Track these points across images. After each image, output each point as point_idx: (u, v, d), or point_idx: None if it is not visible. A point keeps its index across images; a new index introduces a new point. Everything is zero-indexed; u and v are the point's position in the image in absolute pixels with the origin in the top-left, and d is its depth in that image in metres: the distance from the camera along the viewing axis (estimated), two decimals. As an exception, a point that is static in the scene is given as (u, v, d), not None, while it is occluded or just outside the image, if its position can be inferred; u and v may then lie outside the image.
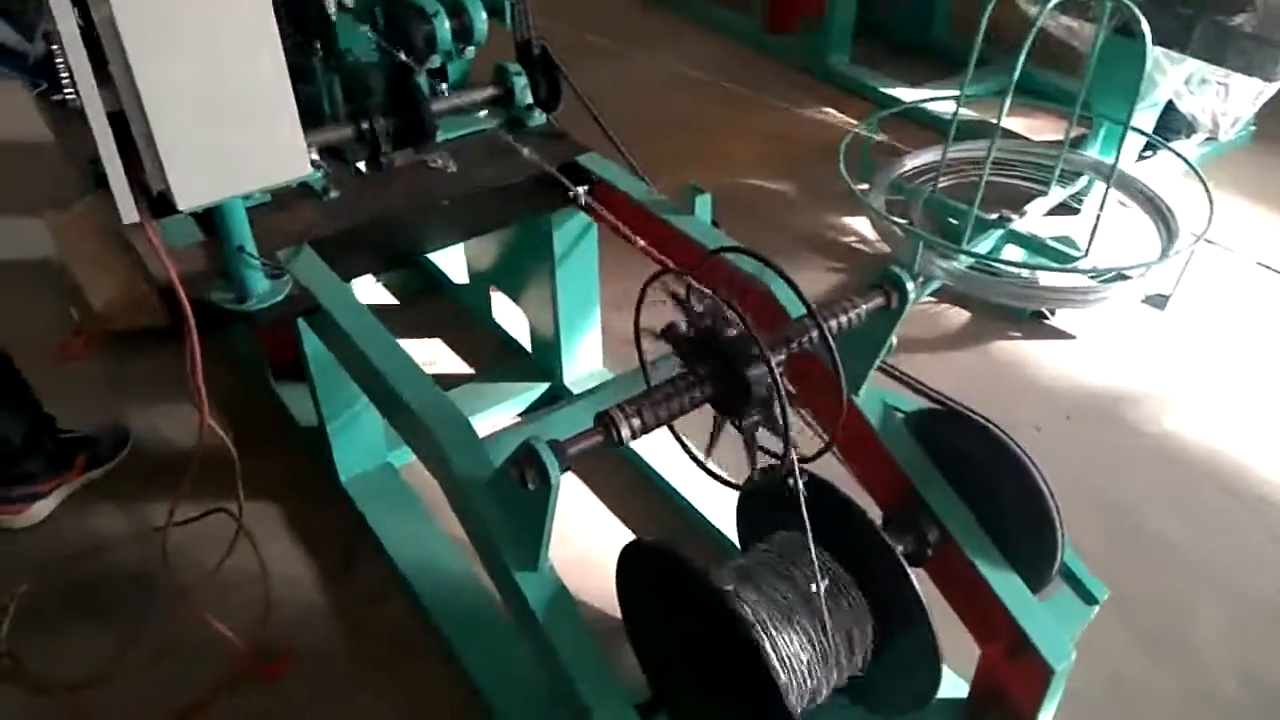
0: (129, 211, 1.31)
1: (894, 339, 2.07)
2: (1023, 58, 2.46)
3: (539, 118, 2.20)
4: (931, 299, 2.90)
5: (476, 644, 1.82)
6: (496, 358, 2.61)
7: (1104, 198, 2.78)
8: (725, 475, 1.42)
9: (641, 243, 1.86)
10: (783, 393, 1.24)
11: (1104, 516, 2.23)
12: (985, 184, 2.75)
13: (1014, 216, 2.95)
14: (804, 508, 1.28)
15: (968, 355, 2.72)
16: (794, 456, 1.30)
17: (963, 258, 2.80)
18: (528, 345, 2.55)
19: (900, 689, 1.47)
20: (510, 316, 2.65)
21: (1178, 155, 3.10)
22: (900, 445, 1.60)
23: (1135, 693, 1.86)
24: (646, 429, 1.25)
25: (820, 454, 1.36)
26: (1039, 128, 3.76)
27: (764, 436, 1.34)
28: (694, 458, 1.46)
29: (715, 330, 1.30)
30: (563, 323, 2.32)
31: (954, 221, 3.00)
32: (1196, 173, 2.94)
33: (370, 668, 1.88)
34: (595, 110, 2.17)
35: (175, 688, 1.81)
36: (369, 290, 2.92)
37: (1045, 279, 2.82)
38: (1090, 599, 1.61)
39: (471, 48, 2.14)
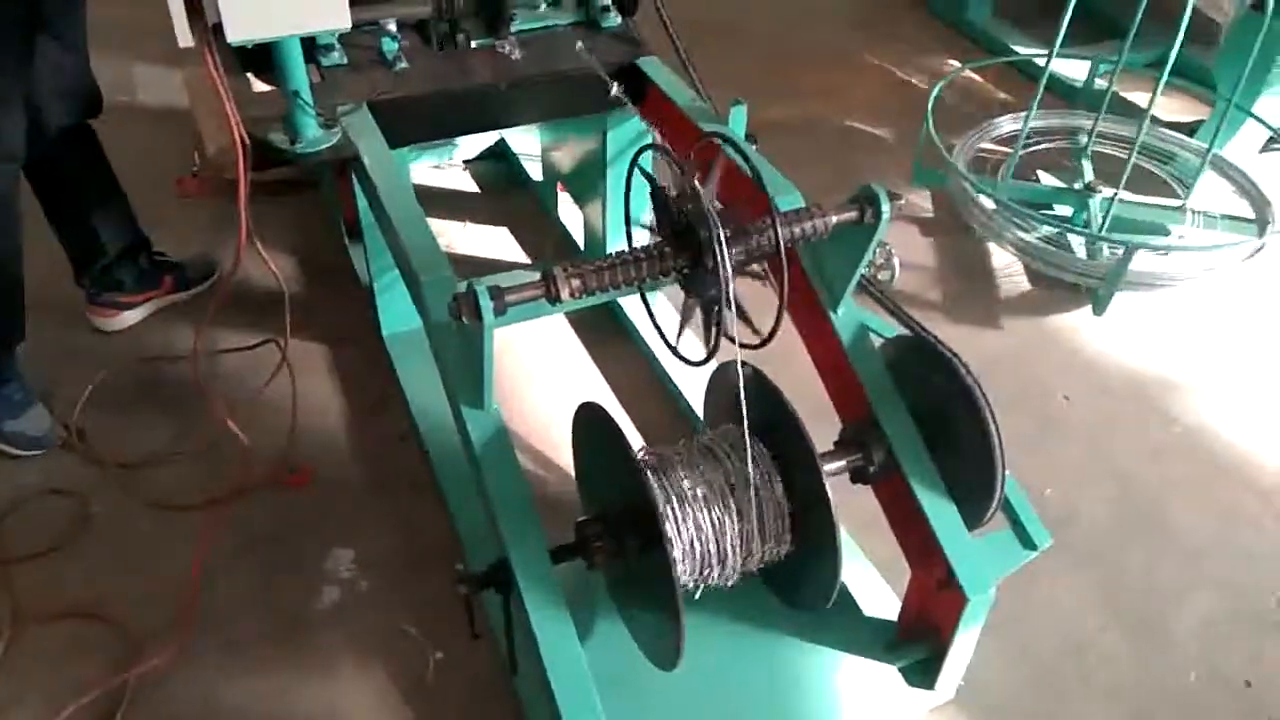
0: (184, 35, 1.49)
1: (897, 266, 2.07)
2: (1180, 36, 2.33)
3: (614, 20, 2.28)
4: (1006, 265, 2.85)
5: (459, 488, 1.99)
6: (554, 251, 2.75)
7: (1196, 179, 2.65)
8: (686, 355, 1.51)
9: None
10: (727, 270, 1.31)
11: (1116, 491, 2.19)
12: (1070, 155, 2.67)
13: (1102, 188, 2.83)
14: (742, 393, 1.37)
15: (1019, 322, 2.67)
16: (737, 341, 1.39)
17: (1039, 228, 2.74)
18: (581, 244, 2.67)
19: (806, 586, 1.54)
20: (572, 214, 2.77)
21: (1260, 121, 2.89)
22: (867, 366, 1.64)
23: (1094, 665, 1.86)
24: (587, 291, 1.36)
25: (758, 346, 1.42)
26: (1171, 106, 3.56)
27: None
28: (661, 333, 1.56)
29: (690, 211, 1.38)
30: (609, 222, 2.43)
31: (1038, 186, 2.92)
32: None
33: (376, 495, 2.09)
34: (666, 15, 2.24)
35: (209, 482, 2.06)
36: (458, 178, 3.10)
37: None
38: (1029, 544, 1.63)
39: (555, -57, 2.24)
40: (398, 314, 2.35)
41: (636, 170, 1.49)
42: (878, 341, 1.70)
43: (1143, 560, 2.05)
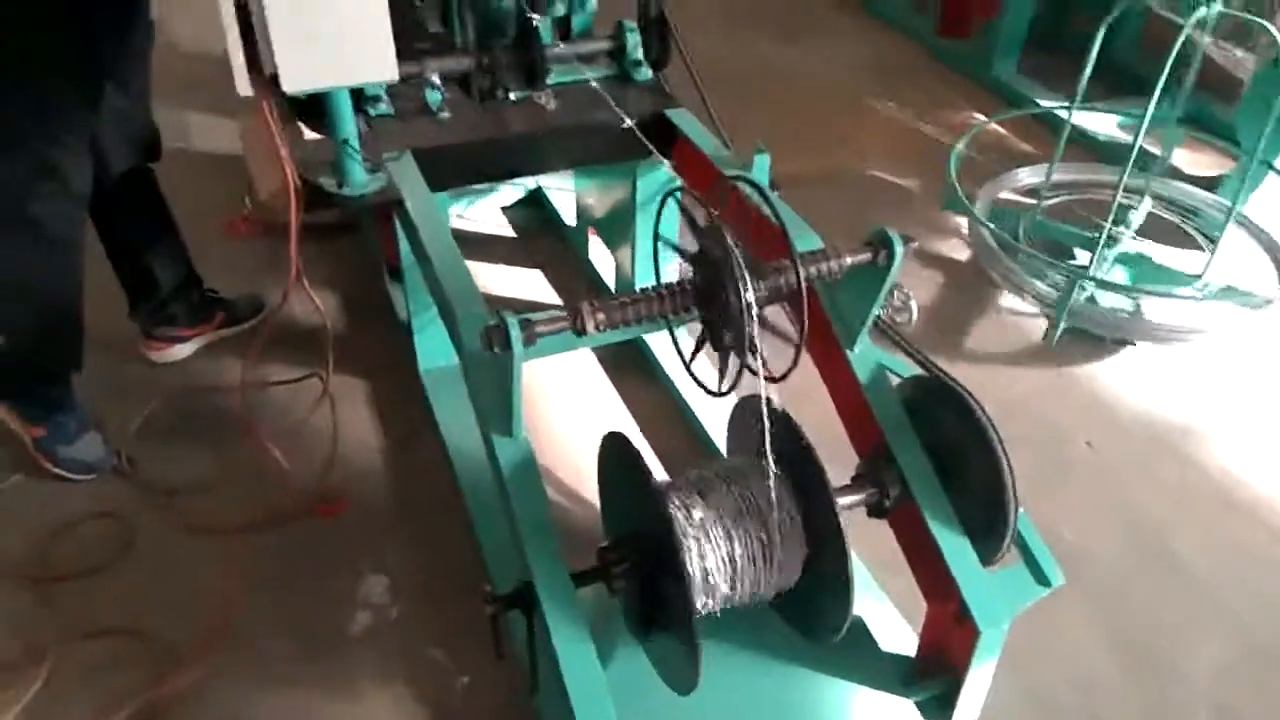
0: (243, 85, 1.61)
1: (914, 309, 2.13)
2: (1159, 85, 2.42)
3: (645, 73, 2.39)
4: (1028, 311, 2.89)
5: (487, 515, 2.05)
6: (585, 291, 2.84)
7: (1221, 234, 2.69)
8: (707, 384, 1.58)
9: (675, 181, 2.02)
10: (749, 309, 1.38)
11: (1131, 533, 2.21)
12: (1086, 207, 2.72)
13: (1124, 231, 2.88)
14: (766, 427, 1.44)
15: (1040, 367, 2.71)
16: (760, 374, 1.46)
17: (1055, 277, 2.79)
18: (612, 285, 2.76)
19: (818, 617, 1.58)
20: (603, 257, 2.87)
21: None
22: (882, 403, 1.70)
23: (1103, 703, 1.87)
24: (611, 325, 1.43)
25: (777, 380, 1.48)
26: (1199, 161, 3.60)
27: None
28: (687, 366, 1.62)
29: (713, 252, 1.45)
30: (637, 267, 2.51)
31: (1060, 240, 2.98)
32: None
33: (408, 523, 2.16)
34: (694, 70, 2.34)
35: (249, 509, 2.15)
36: (494, 221, 3.21)
37: (1146, 307, 2.76)
38: (1044, 581, 1.65)
39: (592, 1, 2.36)
40: (433, 350, 2.44)
41: (664, 214, 1.57)
42: (895, 380, 1.76)
43: (1154, 599, 2.06)
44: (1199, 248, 3.04)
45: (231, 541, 2.09)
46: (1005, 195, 3.21)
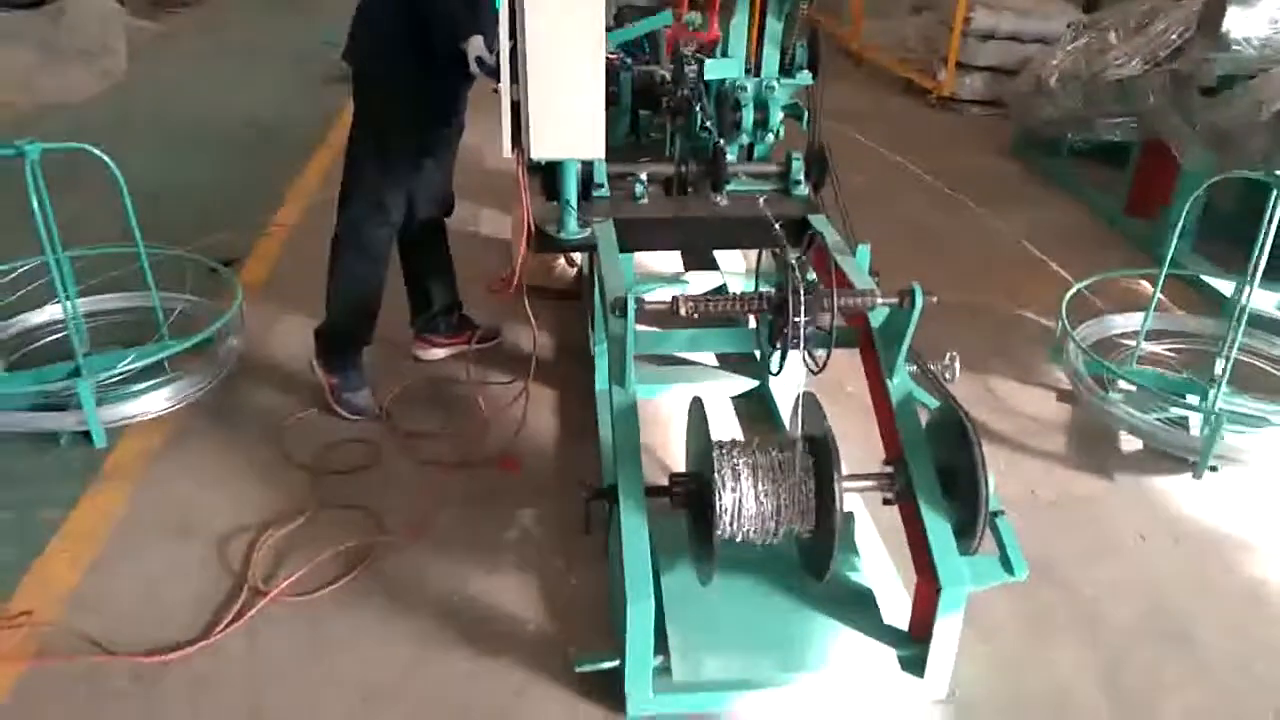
0: (506, 149, 2.51)
1: (956, 365, 2.64)
2: None
3: (803, 190, 3.11)
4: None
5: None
6: (739, 358, 3.51)
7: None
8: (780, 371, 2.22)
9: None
10: (796, 312, 2.04)
11: (1151, 605, 2.51)
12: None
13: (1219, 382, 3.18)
14: (801, 405, 2.08)
15: (1122, 475, 3.05)
16: (810, 365, 2.11)
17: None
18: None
19: (813, 560, 2.12)
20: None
21: None
22: (906, 421, 2.24)
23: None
24: (699, 312, 2.13)
25: (815, 371, 2.11)
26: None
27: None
28: (766, 363, 2.27)
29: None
30: (778, 337, 3.17)
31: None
32: None
33: (560, 486, 2.88)
34: (839, 191, 3.03)
35: (456, 454, 2.98)
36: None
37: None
38: (1010, 570, 2.09)
39: (770, 135, 3.14)
40: (605, 374, 3.20)
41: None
42: (929, 408, 2.30)
43: (1153, 660, 2.35)
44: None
45: (442, 471, 2.92)
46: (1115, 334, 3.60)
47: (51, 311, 3.41)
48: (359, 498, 2.78)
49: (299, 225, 4.74)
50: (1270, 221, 2.91)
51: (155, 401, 3.09)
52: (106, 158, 2.93)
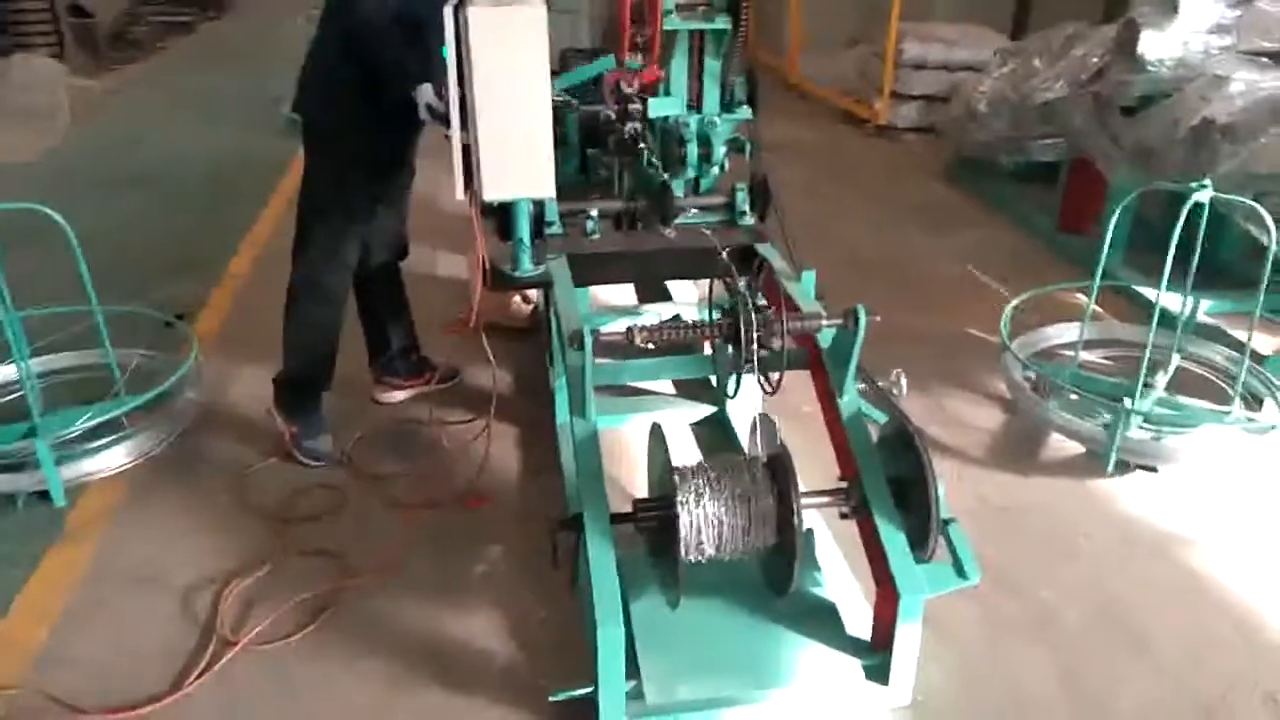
0: (459, 191, 2.58)
1: (903, 381, 2.74)
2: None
3: (748, 220, 3.21)
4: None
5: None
6: (697, 385, 3.58)
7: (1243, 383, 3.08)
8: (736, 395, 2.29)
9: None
10: (750, 336, 2.12)
11: (1104, 606, 2.60)
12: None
13: (1154, 384, 3.32)
14: (758, 424, 2.15)
15: (1059, 477, 3.18)
16: (765, 388, 2.18)
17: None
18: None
19: (776, 576, 2.18)
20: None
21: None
22: (857, 437, 2.32)
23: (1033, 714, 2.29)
24: (653, 342, 2.20)
25: (769, 393, 2.19)
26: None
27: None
28: (721, 384, 2.34)
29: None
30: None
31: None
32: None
33: (525, 520, 2.91)
34: (783, 218, 3.13)
35: (422, 494, 3.00)
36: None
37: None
38: (963, 575, 2.17)
39: (715, 168, 3.24)
40: (566, 408, 3.25)
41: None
42: (880, 423, 2.38)
43: (1106, 656, 2.44)
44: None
45: (407, 513, 2.93)
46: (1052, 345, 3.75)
47: (5, 372, 3.39)
48: (324, 543, 2.79)
49: (253, 275, 4.76)
50: (1184, 228, 3.06)
51: (114, 458, 3.08)
52: (57, 215, 2.95)
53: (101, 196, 5.91)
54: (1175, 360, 3.19)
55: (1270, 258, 3.08)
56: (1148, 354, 3.16)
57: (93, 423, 3.09)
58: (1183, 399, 3.39)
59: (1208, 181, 3.06)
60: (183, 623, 2.51)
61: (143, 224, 5.48)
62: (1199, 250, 3.15)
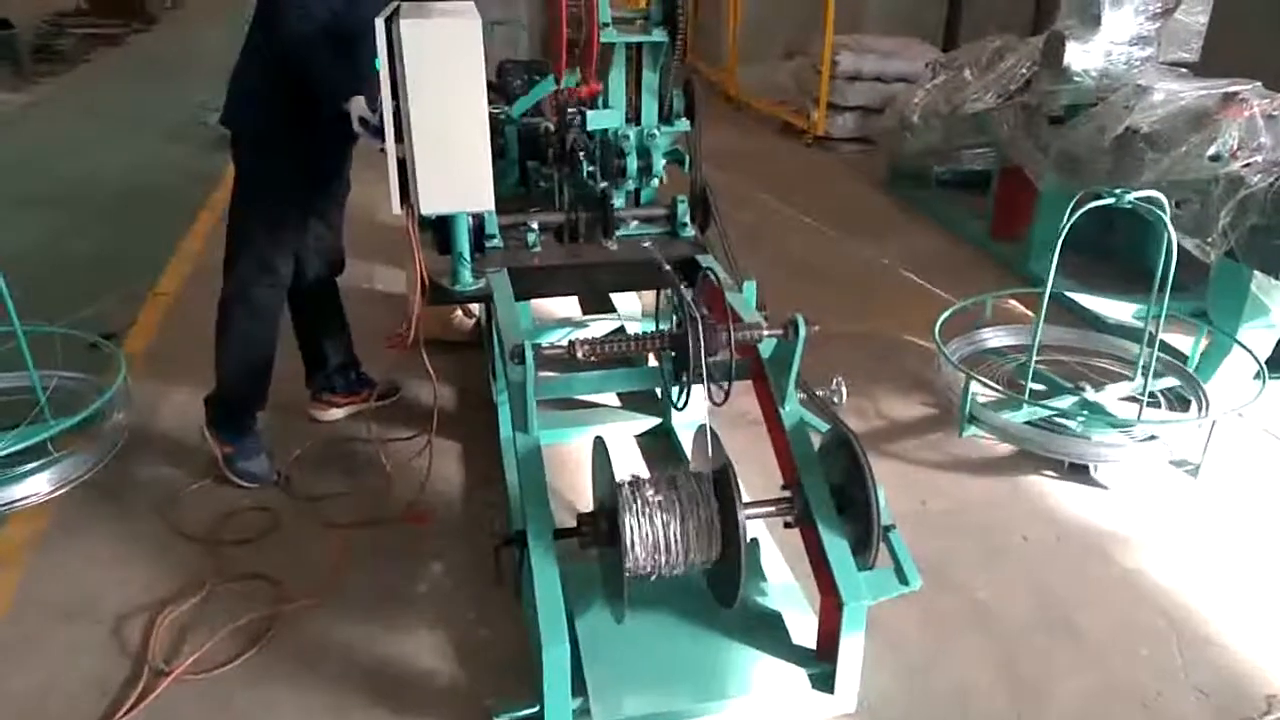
0: (395, 206, 2.54)
1: (843, 389, 2.76)
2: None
3: (689, 232, 3.22)
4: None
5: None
6: (642, 397, 3.57)
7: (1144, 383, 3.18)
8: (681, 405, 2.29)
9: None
10: (697, 349, 2.11)
11: (1041, 601, 2.66)
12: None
13: (1087, 386, 3.41)
14: (709, 438, 2.14)
15: (1000, 478, 3.24)
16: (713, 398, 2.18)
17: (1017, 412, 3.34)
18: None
19: (722, 587, 2.18)
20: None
21: (1244, 348, 3.43)
22: (799, 447, 2.33)
23: (975, 705, 2.33)
24: (595, 356, 2.19)
25: (718, 404, 2.19)
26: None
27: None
28: (668, 393, 2.32)
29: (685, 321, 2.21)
30: (675, 374, 3.25)
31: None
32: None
33: (468, 536, 2.87)
34: (724, 229, 3.15)
35: (362, 513, 2.95)
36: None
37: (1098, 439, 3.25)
38: (905, 581, 2.19)
39: (655, 180, 3.24)
40: (509, 424, 3.22)
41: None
42: (820, 433, 2.40)
43: (1045, 650, 2.49)
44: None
45: (347, 532, 2.87)
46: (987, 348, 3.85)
47: (-80, 398, 3.25)
48: (260, 567, 2.72)
49: (183, 292, 4.63)
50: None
51: (40, 484, 2.96)
52: (-26, 234, 2.84)
53: (19, 215, 5.72)
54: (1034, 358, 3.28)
55: (1170, 248, 3.13)
56: (1032, 357, 3.22)
57: (16, 448, 2.97)
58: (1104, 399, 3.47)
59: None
60: (114, 654, 2.42)
61: (66, 242, 5.31)
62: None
